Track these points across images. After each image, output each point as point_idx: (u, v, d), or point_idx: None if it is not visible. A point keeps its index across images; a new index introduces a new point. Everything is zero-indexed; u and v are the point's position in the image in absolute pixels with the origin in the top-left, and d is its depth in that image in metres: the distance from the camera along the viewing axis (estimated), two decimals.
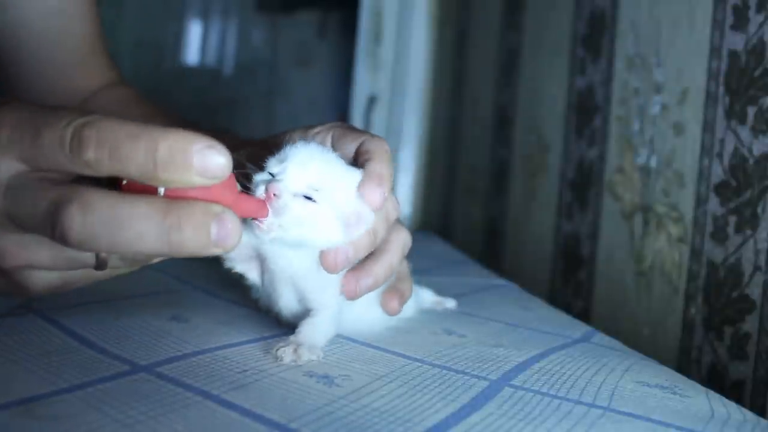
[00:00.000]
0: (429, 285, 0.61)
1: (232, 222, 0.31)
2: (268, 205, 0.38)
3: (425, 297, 0.58)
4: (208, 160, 0.30)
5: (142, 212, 0.30)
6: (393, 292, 0.47)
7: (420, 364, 0.42)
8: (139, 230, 0.30)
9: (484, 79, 1.16)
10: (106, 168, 0.30)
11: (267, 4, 2.36)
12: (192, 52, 2.48)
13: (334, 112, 2.15)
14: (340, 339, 0.46)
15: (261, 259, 0.43)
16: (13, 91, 0.62)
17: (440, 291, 0.61)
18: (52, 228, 0.30)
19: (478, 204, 1.15)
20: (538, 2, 0.99)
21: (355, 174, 0.41)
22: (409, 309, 0.54)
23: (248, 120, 2.32)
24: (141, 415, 0.30)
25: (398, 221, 0.46)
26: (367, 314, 0.47)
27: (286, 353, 0.40)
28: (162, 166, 0.30)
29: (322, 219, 0.39)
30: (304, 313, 0.43)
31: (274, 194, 0.38)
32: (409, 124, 1.40)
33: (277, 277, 0.43)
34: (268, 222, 0.38)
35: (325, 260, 0.40)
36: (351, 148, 0.43)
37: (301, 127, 0.46)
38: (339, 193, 0.40)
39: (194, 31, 2.47)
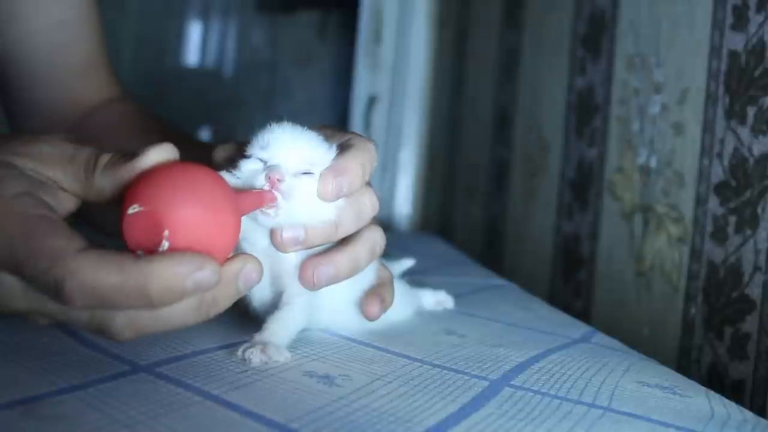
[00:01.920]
0: (429, 285, 0.61)
1: (254, 271, 0.34)
2: (274, 192, 0.38)
3: (425, 298, 0.58)
4: (200, 281, 0.31)
5: (181, 309, 0.32)
6: (373, 296, 0.46)
7: (420, 364, 0.42)
8: (182, 320, 0.33)
9: (484, 79, 1.16)
10: (100, 310, 0.31)
11: (267, 4, 2.36)
12: (192, 52, 2.48)
13: (334, 112, 2.15)
14: (340, 339, 0.46)
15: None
16: (14, 105, 0.61)
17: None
18: (103, 336, 0.32)
19: (478, 204, 1.15)
20: (538, 2, 0.99)
21: (334, 148, 0.41)
22: (407, 310, 0.54)
23: (248, 120, 2.32)
24: (141, 415, 0.30)
25: (374, 221, 0.45)
26: (342, 310, 0.46)
27: (255, 354, 0.39)
28: (158, 303, 0.31)
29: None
30: (274, 303, 0.43)
31: (278, 179, 0.38)
32: (409, 124, 1.40)
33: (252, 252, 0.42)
34: (279, 208, 0.38)
35: (272, 237, 0.40)
36: (336, 143, 0.43)
37: None
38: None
39: (194, 31, 2.47)
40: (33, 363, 0.36)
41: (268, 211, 0.38)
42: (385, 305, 0.46)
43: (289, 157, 0.39)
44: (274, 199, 0.38)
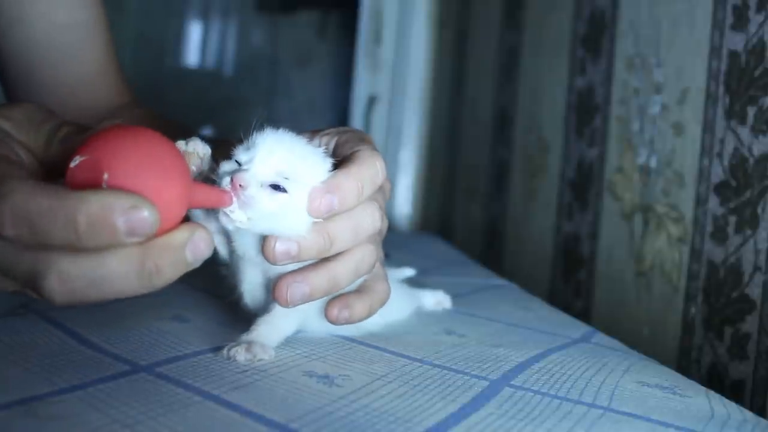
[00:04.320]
0: (429, 285, 0.61)
1: (203, 240, 0.32)
2: (233, 196, 0.36)
3: (425, 299, 0.58)
4: (134, 219, 0.28)
5: (119, 270, 0.29)
6: (340, 299, 0.43)
7: (420, 364, 0.42)
8: (121, 287, 0.30)
9: (484, 79, 1.16)
10: (30, 242, 0.29)
11: (267, 4, 2.37)
12: (192, 52, 2.48)
13: (334, 112, 2.15)
14: (340, 339, 0.46)
15: (227, 236, 0.41)
16: None
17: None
18: (38, 295, 0.30)
19: (478, 204, 1.15)
20: (538, 2, 0.99)
21: (328, 161, 0.40)
22: (406, 310, 0.54)
23: (248, 120, 2.31)
24: (141, 415, 0.30)
25: (374, 237, 0.43)
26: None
27: (239, 353, 0.39)
28: (86, 237, 0.28)
29: (292, 210, 0.38)
30: (266, 303, 0.42)
31: (240, 185, 0.36)
32: (409, 124, 1.40)
33: (243, 258, 0.41)
34: (235, 214, 0.37)
35: (264, 248, 0.38)
36: (347, 153, 0.42)
37: (309, 130, 0.45)
38: (310, 180, 0.38)
39: (194, 31, 2.47)
40: (33, 363, 0.36)
41: (226, 210, 0.37)
42: (350, 313, 0.43)
43: (265, 166, 0.37)
44: (228, 203, 0.36)
